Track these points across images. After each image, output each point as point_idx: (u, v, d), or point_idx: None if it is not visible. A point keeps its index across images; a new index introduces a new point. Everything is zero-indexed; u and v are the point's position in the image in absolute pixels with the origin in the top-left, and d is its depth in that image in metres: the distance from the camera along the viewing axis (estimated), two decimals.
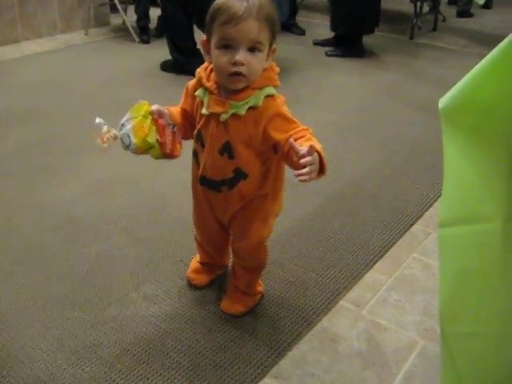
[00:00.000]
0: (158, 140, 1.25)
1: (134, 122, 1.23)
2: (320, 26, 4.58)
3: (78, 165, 2.32)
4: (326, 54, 3.97)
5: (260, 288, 1.61)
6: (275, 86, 1.31)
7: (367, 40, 4.02)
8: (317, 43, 4.19)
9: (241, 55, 1.20)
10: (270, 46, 1.26)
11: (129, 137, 1.23)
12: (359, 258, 1.79)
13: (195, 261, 1.69)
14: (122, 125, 1.25)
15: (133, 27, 4.29)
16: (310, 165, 1.13)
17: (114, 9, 4.60)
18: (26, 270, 1.73)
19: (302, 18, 4.70)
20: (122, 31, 4.47)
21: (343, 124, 2.83)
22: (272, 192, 1.42)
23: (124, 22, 4.53)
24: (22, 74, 3.53)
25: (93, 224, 1.95)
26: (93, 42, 4.24)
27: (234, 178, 1.35)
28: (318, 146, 1.18)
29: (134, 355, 1.43)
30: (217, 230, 1.52)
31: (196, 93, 1.33)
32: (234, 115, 1.27)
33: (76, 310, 1.58)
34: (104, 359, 1.42)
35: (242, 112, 1.26)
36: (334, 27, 4.04)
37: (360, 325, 1.55)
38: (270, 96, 1.28)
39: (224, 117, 1.28)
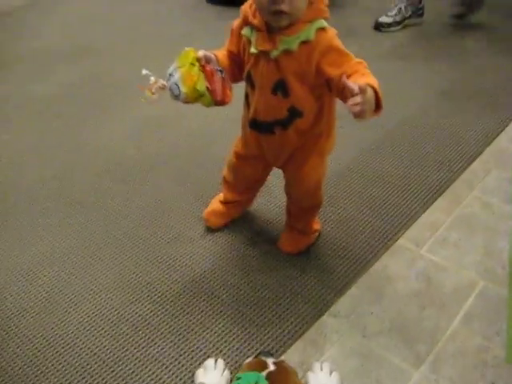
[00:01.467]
0: (207, 88, 1.20)
1: (182, 71, 1.19)
2: None
3: (127, 101, 2.31)
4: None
5: (317, 226, 1.59)
6: (325, 18, 1.23)
7: None
8: None
9: None
10: None
11: (178, 86, 1.19)
12: (417, 195, 1.75)
13: (217, 200, 1.67)
14: (170, 74, 1.21)
15: None
16: (363, 103, 1.07)
17: None
18: (83, 211, 1.76)
19: None
20: None
21: (403, 51, 2.72)
22: (326, 129, 1.37)
23: None
24: (63, 9, 3.49)
25: (146, 163, 1.96)
26: None
27: (289, 118, 1.30)
28: (373, 82, 1.12)
29: (193, 292, 1.45)
30: (259, 174, 1.51)
31: (242, 32, 1.26)
32: (286, 51, 1.21)
33: (135, 249, 1.60)
34: (163, 296, 1.45)
35: (294, 47, 1.20)
36: None
37: (418, 264, 1.52)
38: (321, 29, 1.20)
39: (275, 53, 1.22)
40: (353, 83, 1.08)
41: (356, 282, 1.47)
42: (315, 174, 1.42)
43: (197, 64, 1.20)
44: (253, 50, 1.24)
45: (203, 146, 2.04)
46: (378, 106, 1.12)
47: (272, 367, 1.08)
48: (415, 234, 1.62)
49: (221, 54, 1.31)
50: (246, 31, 1.26)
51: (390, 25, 2.95)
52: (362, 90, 1.06)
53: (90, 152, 2.04)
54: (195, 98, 1.21)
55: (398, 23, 2.96)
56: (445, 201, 1.74)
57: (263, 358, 1.12)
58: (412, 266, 1.51)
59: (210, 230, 1.65)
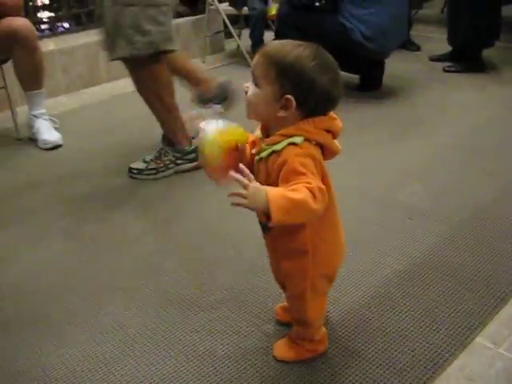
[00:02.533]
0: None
1: (221, 141, 1.26)
2: (436, 41, 4.47)
3: None
4: (444, 70, 3.88)
5: (317, 347, 1.53)
6: (315, 141, 1.24)
7: (487, 53, 3.87)
8: (433, 59, 4.10)
9: (248, 83, 1.27)
10: (282, 92, 1.21)
11: (204, 138, 1.27)
12: (493, 290, 1.73)
13: None
14: (212, 122, 1.29)
15: (247, 52, 4.42)
16: (240, 196, 1.13)
17: (228, 34, 4.78)
18: None
19: (416, 33, 4.62)
20: (236, 56, 4.64)
21: (467, 145, 2.75)
22: (312, 249, 1.33)
23: (238, 47, 4.69)
24: None
25: None
26: (210, 68, 4.41)
27: (266, 222, 1.21)
28: (284, 198, 1.12)
29: None
30: None
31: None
32: (261, 158, 1.27)
33: None
34: None
35: (265, 155, 1.25)
36: (451, 41, 3.93)
37: (498, 364, 1.49)
38: (292, 144, 1.21)
39: (257, 157, 1.29)
40: (239, 177, 1.13)
41: (434, 381, 1.45)
42: (298, 291, 1.40)
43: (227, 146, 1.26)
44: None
45: None
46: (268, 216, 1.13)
47: None
48: (493, 331, 1.59)
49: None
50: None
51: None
52: (245, 186, 1.12)
53: None
54: (207, 156, 1.27)
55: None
56: None
57: None
58: (491, 366, 1.48)
59: None
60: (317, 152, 1.23)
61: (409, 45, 4.38)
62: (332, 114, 1.29)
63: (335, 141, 1.30)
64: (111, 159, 2.85)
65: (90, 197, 2.53)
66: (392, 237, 2.02)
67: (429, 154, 2.65)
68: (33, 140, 3.19)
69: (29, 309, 1.80)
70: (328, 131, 1.27)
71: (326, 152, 1.28)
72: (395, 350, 1.54)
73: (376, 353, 1.53)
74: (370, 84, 3.55)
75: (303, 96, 1.21)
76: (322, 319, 1.51)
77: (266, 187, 1.15)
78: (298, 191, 1.13)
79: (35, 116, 3.16)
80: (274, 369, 1.50)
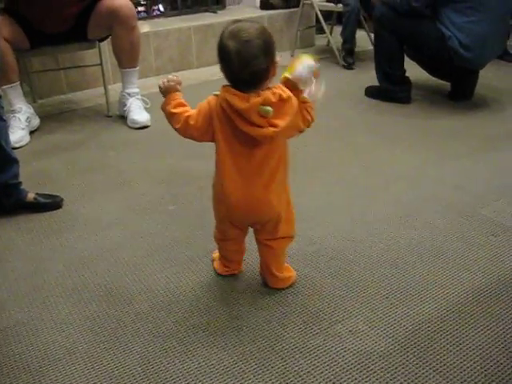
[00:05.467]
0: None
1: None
2: None
3: None
4: None
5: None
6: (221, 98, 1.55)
7: None
8: None
9: None
10: None
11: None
12: None
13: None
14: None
15: (337, 49, 4.39)
16: None
17: (319, 29, 4.76)
18: None
19: None
20: (326, 53, 4.61)
21: None
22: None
23: (329, 44, 4.67)
24: None
25: None
26: None
27: None
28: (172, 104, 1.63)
29: None
30: None
31: None
32: None
33: None
34: None
35: None
36: None
37: None
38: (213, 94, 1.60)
39: None
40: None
41: None
42: None
43: None
44: None
45: None
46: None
47: None
48: None
49: None
50: None
51: None
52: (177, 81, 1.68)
53: None
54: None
55: None
56: None
57: None
58: None
59: None
60: (214, 104, 1.55)
61: (506, 55, 4.22)
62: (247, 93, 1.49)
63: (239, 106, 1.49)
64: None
65: (172, 177, 2.61)
66: (473, 252, 1.97)
67: None
68: (122, 118, 3.32)
69: None
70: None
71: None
72: (468, 367, 1.51)
73: (448, 367, 1.51)
74: (462, 93, 3.45)
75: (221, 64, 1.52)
76: None
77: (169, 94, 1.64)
78: (180, 111, 1.60)
79: (128, 94, 3.27)
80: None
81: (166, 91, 1.62)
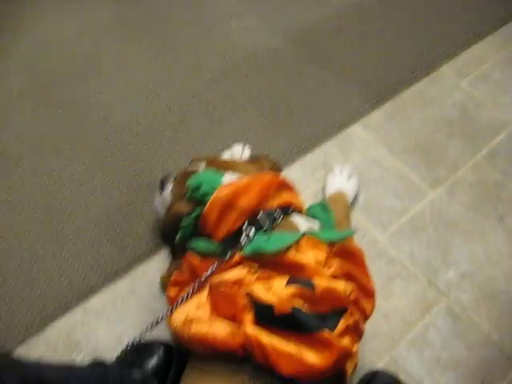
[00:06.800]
0: None
1: None
2: None
3: None
4: None
5: None
6: None
7: None
8: None
9: None
10: None
11: None
12: (472, 27, 1.66)
13: None
14: None
15: None
16: None
17: None
18: None
19: None
20: None
21: None
22: None
23: None
24: None
25: None
26: None
27: None
28: None
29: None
30: None
31: None
32: None
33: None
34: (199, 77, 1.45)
35: None
36: None
37: (457, 95, 1.50)
38: None
39: None
40: None
41: (393, 99, 1.46)
42: None
43: None
44: None
45: None
46: None
47: None
48: (460, 64, 1.57)
49: None
50: None
51: None
52: None
53: None
54: None
55: None
56: (497, 37, 1.66)
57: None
58: (450, 95, 1.49)
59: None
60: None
61: None
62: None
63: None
64: None
65: None
66: None
67: None
68: None
69: None
70: None
71: None
72: (363, 67, 1.51)
73: (342, 69, 1.50)
74: None
75: None
76: None
77: None
78: None
79: None
80: None
81: None
